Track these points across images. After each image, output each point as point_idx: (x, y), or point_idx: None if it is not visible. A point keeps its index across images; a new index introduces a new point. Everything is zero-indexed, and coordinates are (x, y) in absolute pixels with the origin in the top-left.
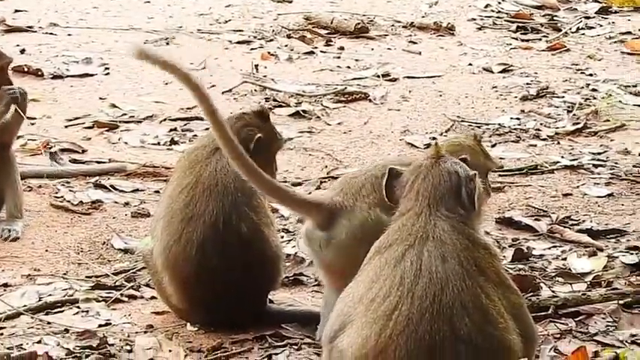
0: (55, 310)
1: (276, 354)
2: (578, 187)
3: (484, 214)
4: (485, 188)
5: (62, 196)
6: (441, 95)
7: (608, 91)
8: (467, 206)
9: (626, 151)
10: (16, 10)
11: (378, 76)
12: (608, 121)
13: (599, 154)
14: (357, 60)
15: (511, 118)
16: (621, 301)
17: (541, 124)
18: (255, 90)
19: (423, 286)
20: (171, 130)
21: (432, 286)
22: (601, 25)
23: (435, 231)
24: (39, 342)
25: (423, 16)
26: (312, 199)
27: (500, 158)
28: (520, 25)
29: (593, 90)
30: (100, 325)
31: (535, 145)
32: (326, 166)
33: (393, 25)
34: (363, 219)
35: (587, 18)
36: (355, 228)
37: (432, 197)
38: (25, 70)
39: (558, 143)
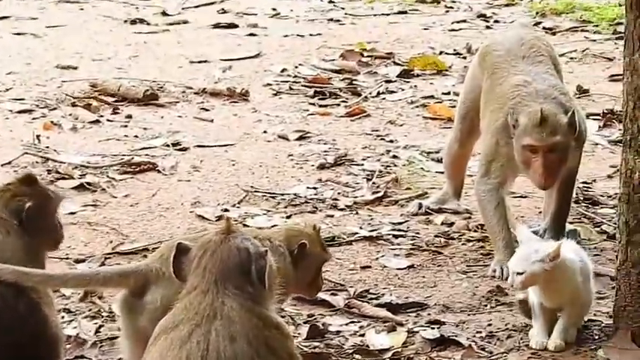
0: None
1: None
2: (377, 258)
3: (278, 292)
4: (319, 278)
5: None
6: (233, 164)
7: (409, 158)
8: (256, 284)
9: (428, 220)
10: None
11: (168, 145)
12: (410, 189)
13: (399, 223)
14: (145, 128)
15: (307, 188)
16: None
17: (339, 193)
18: (37, 162)
19: None
20: None
21: None
22: (402, 89)
23: (224, 309)
24: None
25: (216, 82)
26: (125, 269)
27: None
28: (318, 89)
29: (394, 157)
30: None
31: (332, 216)
32: (111, 242)
33: (184, 92)
34: (180, 286)
35: (388, 82)
36: (172, 295)
37: (220, 274)
38: None
39: (357, 213)
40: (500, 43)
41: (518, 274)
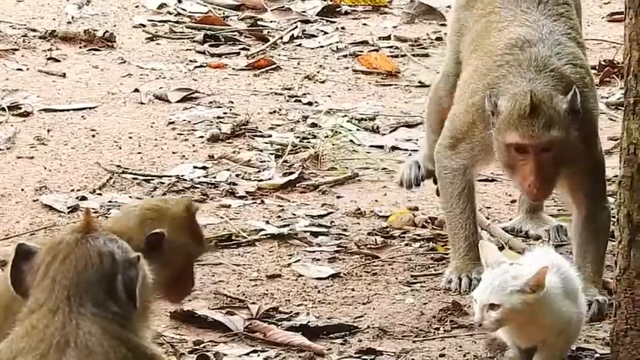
0: None
1: None
2: (289, 264)
3: (153, 311)
4: (188, 278)
5: None
6: (94, 136)
7: (334, 127)
8: (124, 301)
9: (359, 212)
10: None
11: (3, 110)
12: (334, 169)
13: (320, 217)
14: None
15: (195, 168)
16: None
17: (238, 175)
18: None
19: None
20: None
21: None
22: (325, 33)
23: (79, 335)
24: None
25: (70, 22)
26: None
27: None
28: (209, 33)
29: (313, 125)
30: None
31: (228, 206)
32: None
33: (25, 36)
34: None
35: (306, 22)
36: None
37: (74, 288)
38: None
39: (262, 203)
40: None
41: (491, 307)
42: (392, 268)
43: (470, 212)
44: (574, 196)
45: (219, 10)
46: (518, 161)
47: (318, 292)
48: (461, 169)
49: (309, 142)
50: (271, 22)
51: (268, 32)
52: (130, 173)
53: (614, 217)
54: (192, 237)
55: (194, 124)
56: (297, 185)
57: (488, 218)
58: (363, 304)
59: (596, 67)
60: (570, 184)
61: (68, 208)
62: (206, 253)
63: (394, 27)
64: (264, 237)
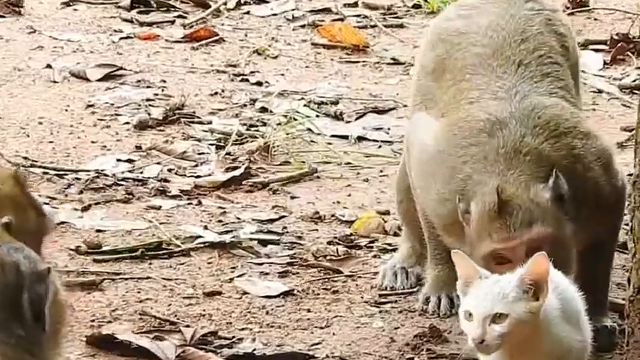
0: None
1: None
2: (231, 279)
3: (66, 335)
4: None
5: None
6: None
7: (288, 113)
8: (30, 323)
9: (317, 216)
10: None
11: None
12: (288, 164)
13: (270, 222)
14: None
15: (118, 161)
16: None
17: (170, 170)
18: None
19: None
20: None
21: None
22: None
23: None
24: None
25: None
26: None
27: (98, 230)
28: None
29: (263, 110)
30: None
31: (159, 208)
32: None
33: None
34: None
35: None
36: None
37: None
38: None
39: (199, 203)
40: (468, 28)
41: (495, 320)
42: (357, 285)
43: None
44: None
45: None
46: (500, 272)
47: (267, 313)
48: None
49: (257, 130)
50: None
51: None
52: (40, 167)
53: (626, 224)
54: (35, 211)
55: (118, 107)
56: (242, 183)
57: None
58: (322, 328)
59: (608, 42)
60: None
61: None
62: (53, 225)
63: None
64: (202, 245)
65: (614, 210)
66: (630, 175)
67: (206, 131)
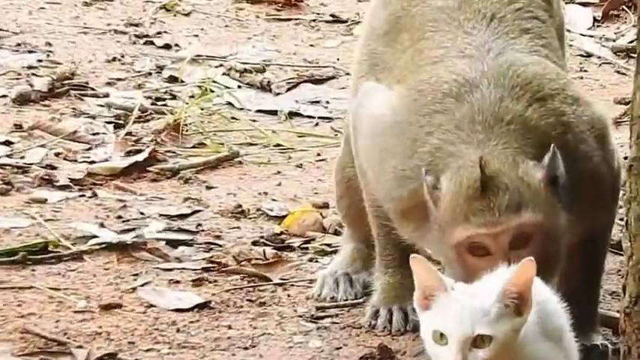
0: None
1: None
2: (134, 289)
3: None
4: None
5: None
6: None
7: (203, 83)
8: None
9: (240, 211)
10: None
11: None
12: (204, 146)
13: (181, 217)
14: None
15: None
16: None
17: (58, 154)
18: None
19: None
20: None
21: None
22: None
23: None
24: None
25: None
26: None
27: None
28: None
29: (172, 80)
30: None
31: (44, 201)
32: None
33: None
34: None
35: None
36: None
37: None
38: None
39: (94, 195)
40: None
41: (478, 344)
42: (289, 296)
43: None
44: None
45: None
46: (477, 272)
47: (178, 330)
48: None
49: (165, 105)
50: None
51: None
52: None
53: (620, 218)
54: None
55: None
56: (146, 170)
57: None
58: (245, 349)
59: None
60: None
61: None
62: None
63: None
64: (97, 247)
65: (611, 197)
66: (625, 158)
67: (102, 106)
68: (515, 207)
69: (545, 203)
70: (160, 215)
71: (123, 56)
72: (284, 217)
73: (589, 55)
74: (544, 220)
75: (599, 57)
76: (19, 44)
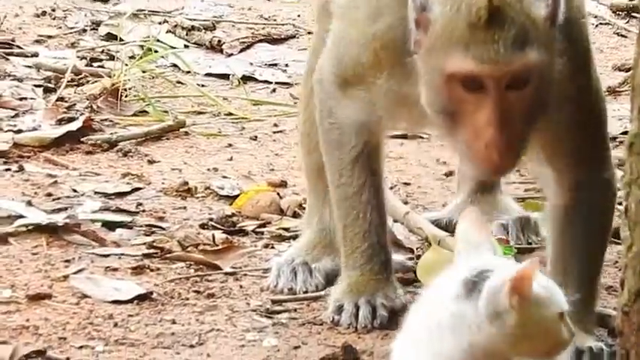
0: None
1: None
2: (66, 277)
3: None
4: None
5: None
6: None
7: (145, 42)
8: None
9: (186, 189)
10: None
11: None
12: (146, 114)
13: (119, 196)
14: None
15: None
16: None
17: None
18: None
19: None
20: None
21: None
22: None
23: None
24: None
25: None
26: None
27: None
28: None
29: (110, 37)
30: None
31: None
32: None
33: None
34: None
35: None
36: None
37: None
38: None
39: (21, 170)
40: None
41: None
42: (241, 287)
43: (372, 193)
44: (554, 167)
45: None
46: (465, 106)
47: (115, 325)
48: (356, 124)
49: (102, 67)
50: None
51: None
52: None
53: (620, 203)
54: None
55: None
56: (80, 141)
57: (406, 203)
58: (192, 346)
59: None
60: (549, 146)
61: None
62: None
63: None
64: (24, 229)
65: (591, 125)
66: (624, 134)
67: (30, 67)
68: (521, 44)
69: (548, 43)
70: (96, 193)
71: (54, 10)
72: (236, 196)
73: None
74: (546, 60)
75: (595, 17)
76: None
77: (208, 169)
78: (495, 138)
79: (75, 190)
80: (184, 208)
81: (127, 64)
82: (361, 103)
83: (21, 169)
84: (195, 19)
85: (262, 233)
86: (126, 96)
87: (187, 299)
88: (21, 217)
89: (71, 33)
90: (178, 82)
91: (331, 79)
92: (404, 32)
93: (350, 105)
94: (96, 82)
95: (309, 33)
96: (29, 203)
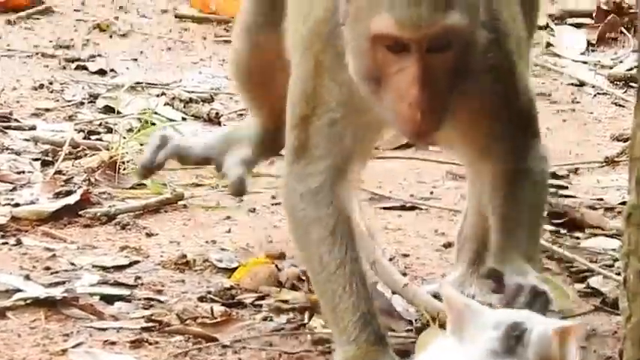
0: None
1: None
2: (64, 351)
3: None
4: None
5: None
6: None
7: (143, 114)
8: None
9: (184, 261)
10: None
11: None
12: (144, 186)
13: (117, 269)
14: None
15: None
16: None
17: None
18: None
19: None
20: None
21: None
22: None
23: None
24: None
25: None
26: None
27: None
28: None
29: (108, 110)
30: None
31: None
32: None
33: None
34: None
35: None
36: None
37: None
38: None
39: (18, 243)
40: None
41: None
42: (239, 359)
43: (354, 263)
44: (479, 142)
45: None
46: (390, 69)
47: None
48: (325, 185)
49: (100, 139)
50: None
51: None
52: None
53: (618, 274)
54: None
55: None
56: (78, 214)
57: (405, 275)
58: None
59: (593, 15)
60: (474, 119)
61: None
62: None
63: None
64: (22, 303)
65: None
66: (623, 204)
67: (28, 140)
68: (444, 7)
69: (471, 9)
70: (94, 266)
71: (51, 83)
72: (234, 269)
73: (582, 84)
74: (467, 27)
75: (593, 86)
76: None
77: (207, 242)
78: (417, 98)
79: (73, 264)
80: (183, 281)
81: (124, 137)
82: (325, 143)
83: (19, 242)
84: (192, 92)
85: (261, 306)
86: (124, 169)
87: None
88: (19, 290)
89: (69, 106)
90: None
91: (290, 157)
92: (336, 22)
93: (314, 164)
94: (94, 155)
95: None
96: (27, 277)
